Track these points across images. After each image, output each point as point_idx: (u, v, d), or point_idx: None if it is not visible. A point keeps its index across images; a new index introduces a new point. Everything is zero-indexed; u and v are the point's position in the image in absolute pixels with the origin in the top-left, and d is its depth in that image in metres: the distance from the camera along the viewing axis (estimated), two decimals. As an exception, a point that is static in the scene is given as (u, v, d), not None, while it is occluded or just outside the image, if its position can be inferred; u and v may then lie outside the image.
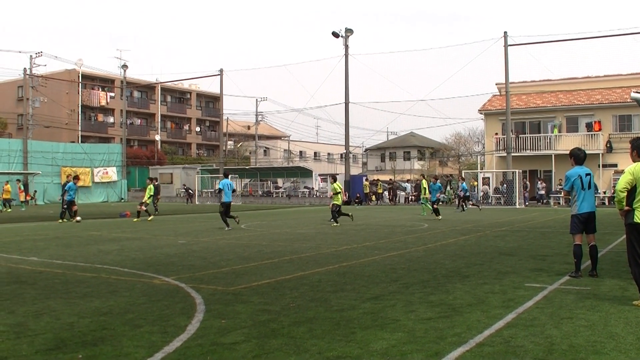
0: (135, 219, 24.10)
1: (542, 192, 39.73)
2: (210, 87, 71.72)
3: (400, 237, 16.11)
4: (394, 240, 15.16)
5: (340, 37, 45.20)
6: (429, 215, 26.12)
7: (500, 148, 42.78)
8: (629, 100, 33.49)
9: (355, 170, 65.13)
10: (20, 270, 10.11)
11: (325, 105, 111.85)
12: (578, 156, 8.99)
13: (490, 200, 40.70)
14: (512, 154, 40.51)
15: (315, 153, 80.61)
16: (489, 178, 42.72)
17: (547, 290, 7.77)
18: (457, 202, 35.06)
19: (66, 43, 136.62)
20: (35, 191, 45.58)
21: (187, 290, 8.01)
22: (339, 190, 21.92)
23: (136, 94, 75.27)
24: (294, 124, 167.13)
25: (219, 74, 51.45)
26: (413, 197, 46.19)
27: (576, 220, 8.79)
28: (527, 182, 40.86)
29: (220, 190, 20.06)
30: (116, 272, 9.72)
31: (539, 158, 42.19)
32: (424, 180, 28.77)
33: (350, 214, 22.21)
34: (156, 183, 32.55)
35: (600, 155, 39.70)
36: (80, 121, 67.49)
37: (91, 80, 69.73)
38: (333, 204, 21.55)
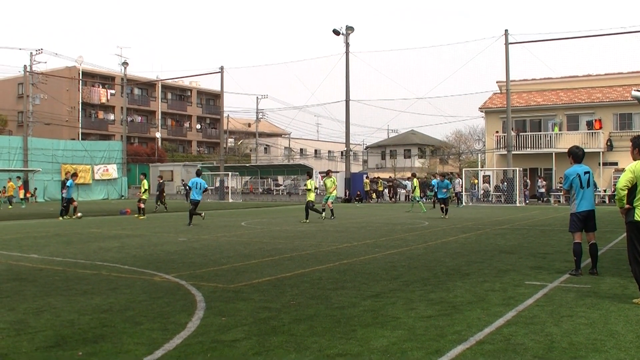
0: (140, 217, 24.06)
1: (543, 190, 39.74)
2: (210, 84, 71.80)
3: (400, 234, 16.12)
4: (394, 238, 15.17)
5: (341, 35, 45.15)
6: (426, 210, 26.40)
7: (501, 146, 42.77)
8: (629, 98, 33.47)
9: (355, 168, 65.18)
10: (21, 267, 10.11)
11: (325, 103, 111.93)
12: (576, 154, 8.98)
13: (490, 198, 40.71)
14: (513, 152, 40.48)
15: (315, 151, 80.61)
16: (489, 176, 42.73)
17: (547, 288, 7.78)
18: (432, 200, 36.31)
19: (66, 40, 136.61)
20: (36, 188, 45.57)
21: (188, 287, 8.01)
22: (311, 187, 22.31)
23: (137, 91, 75.30)
24: (295, 122, 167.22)
25: (219, 72, 51.43)
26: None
27: (575, 219, 8.79)
28: (528, 180, 40.85)
29: (189, 188, 20.44)
30: (117, 270, 9.73)
31: (539, 156, 42.19)
32: (415, 179, 29.76)
33: (322, 213, 22.02)
34: (161, 181, 32.60)
35: (601, 153, 39.70)
36: (80, 118, 67.53)
37: (91, 78, 69.75)
38: (308, 201, 22.03)
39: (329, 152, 79.16)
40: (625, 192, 7.02)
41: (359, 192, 44.13)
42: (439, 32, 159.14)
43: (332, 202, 23.36)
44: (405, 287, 8.00)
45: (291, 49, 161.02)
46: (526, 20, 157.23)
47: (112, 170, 52.85)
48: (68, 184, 24.39)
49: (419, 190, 29.71)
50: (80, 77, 67.13)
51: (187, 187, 21.16)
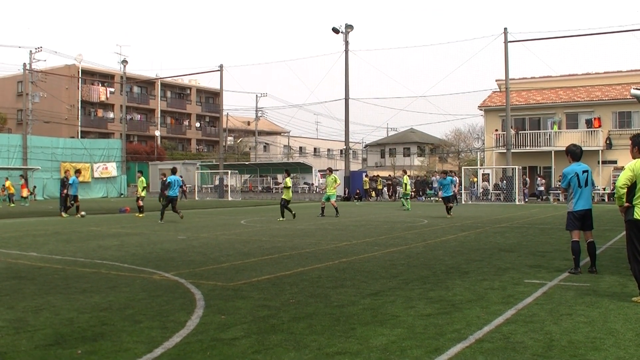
0: (139, 215, 24.06)
1: (542, 188, 39.75)
2: (210, 82, 71.59)
3: (399, 233, 16.12)
4: (393, 236, 15.17)
5: (340, 33, 45.14)
6: (410, 209, 26.66)
7: (500, 144, 42.78)
8: (629, 96, 33.46)
9: (355, 167, 65.11)
10: (20, 265, 10.11)
11: (325, 101, 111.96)
12: (575, 153, 8.98)
13: (490, 197, 40.73)
14: (512, 151, 40.50)
15: (315, 149, 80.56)
16: (488, 174, 42.72)
17: (546, 287, 7.78)
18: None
19: (66, 38, 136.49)
20: (35, 187, 45.55)
21: (187, 285, 8.01)
22: (289, 185, 22.28)
23: (136, 89, 75.24)
24: (294, 120, 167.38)
25: (218, 70, 51.41)
26: (413, 193, 46.24)
27: (572, 217, 8.80)
28: (527, 179, 40.87)
29: (168, 184, 21.26)
30: (116, 268, 9.72)
31: (538, 154, 42.20)
32: (405, 176, 29.76)
33: (293, 213, 22.02)
34: (164, 179, 32.60)
35: (600, 151, 39.72)
36: (80, 116, 67.48)
37: (91, 76, 69.68)
38: (282, 199, 22.11)
39: (328, 150, 79.14)
40: (625, 190, 7.02)
41: (358, 191, 44.13)
42: (438, 31, 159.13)
43: (334, 200, 23.49)
44: (404, 285, 8.00)
45: (291, 47, 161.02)
46: (526, 19, 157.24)
47: (112, 169, 52.84)
48: (71, 181, 24.41)
49: (409, 187, 29.92)
50: (80, 75, 67.06)
51: (166, 183, 21.84)
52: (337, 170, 49.99)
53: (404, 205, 29.30)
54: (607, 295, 7.19)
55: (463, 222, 19.85)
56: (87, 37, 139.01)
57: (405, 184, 29.69)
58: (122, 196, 51.74)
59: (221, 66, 51.33)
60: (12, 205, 34.79)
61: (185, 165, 56.99)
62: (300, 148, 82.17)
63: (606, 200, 36.88)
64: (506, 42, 39.60)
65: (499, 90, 46.18)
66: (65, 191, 24.74)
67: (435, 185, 42.49)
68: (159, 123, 76.04)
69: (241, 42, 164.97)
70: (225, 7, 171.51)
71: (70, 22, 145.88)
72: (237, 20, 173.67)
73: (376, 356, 4.81)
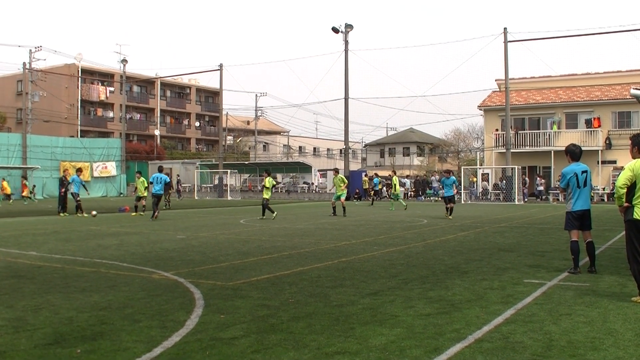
0: (134, 214, 24.06)
1: (541, 188, 39.77)
2: (209, 82, 71.53)
3: (399, 232, 16.12)
4: (393, 236, 15.16)
5: (340, 33, 45.14)
6: (394, 209, 26.84)
7: (500, 144, 42.79)
8: (628, 96, 33.45)
9: (354, 166, 65.11)
10: (19, 264, 10.10)
11: (324, 101, 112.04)
12: (574, 153, 8.98)
13: (489, 197, 40.73)
14: (512, 150, 40.51)
15: (314, 148, 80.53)
16: (488, 174, 42.72)
17: (546, 287, 7.78)
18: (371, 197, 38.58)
19: (66, 37, 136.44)
20: (35, 186, 45.54)
21: (186, 285, 8.01)
22: (269, 185, 22.45)
23: (135, 88, 75.21)
24: (294, 119, 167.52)
25: (218, 69, 51.39)
26: (412, 192, 46.28)
27: (570, 217, 8.81)
28: (526, 178, 40.88)
29: (151, 182, 22.27)
30: (115, 267, 9.72)
31: (538, 154, 42.21)
32: (394, 177, 30.27)
33: (269, 213, 22.09)
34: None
35: (600, 151, 39.72)
36: (79, 116, 67.46)
37: (90, 75, 69.65)
38: (263, 198, 22.35)
39: (328, 149, 79.12)
40: (625, 190, 7.01)
41: (357, 190, 44.11)
42: (438, 30, 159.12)
43: (343, 199, 23.72)
44: (404, 285, 8.00)
45: (290, 46, 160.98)
46: (525, 19, 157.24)
47: (111, 168, 52.85)
48: (71, 179, 24.42)
49: (398, 188, 30.85)
50: (80, 75, 67.03)
51: (150, 181, 22.73)
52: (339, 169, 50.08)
53: (393, 204, 30.21)
54: (607, 295, 7.19)
55: (462, 222, 19.84)
56: (87, 36, 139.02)
57: (395, 185, 30.45)
58: (121, 195, 51.74)
59: (221, 65, 51.31)
60: (11, 202, 34.81)
61: (184, 165, 56.99)
62: (300, 147, 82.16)
63: (605, 200, 36.88)
64: (506, 41, 39.61)
65: (498, 90, 46.18)
66: (63, 190, 24.74)
67: (435, 185, 42.50)
68: (158, 122, 76.01)
69: (241, 42, 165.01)
70: (225, 7, 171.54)
71: (70, 21, 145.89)
72: (237, 20, 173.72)
73: (375, 356, 4.81)
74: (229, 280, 8.40)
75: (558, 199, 36.82)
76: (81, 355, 4.87)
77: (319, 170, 55.65)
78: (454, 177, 23.48)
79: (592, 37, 40.15)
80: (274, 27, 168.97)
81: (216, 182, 51.44)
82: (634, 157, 7.20)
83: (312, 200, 42.84)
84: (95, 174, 51.61)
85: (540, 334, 5.43)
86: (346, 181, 24.49)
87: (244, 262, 10.23)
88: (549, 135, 41.86)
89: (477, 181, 42.37)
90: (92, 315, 6.26)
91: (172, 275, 8.85)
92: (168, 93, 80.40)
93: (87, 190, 24.64)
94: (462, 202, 37.16)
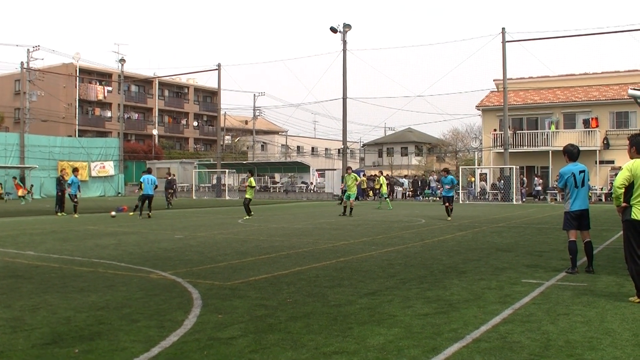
0: (131, 214, 24.05)
1: (539, 188, 39.80)
2: (208, 81, 71.62)
3: (397, 232, 16.12)
4: (391, 235, 15.17)
5: (338, 33, 45.12)
6: (392, 207, 27.18)
7: (498, 144, 42.80)
8: (626, 97, 33.45)
9: (353, 166, 65.05)
10: (17, 264, 10.09)
11: (323, 101, 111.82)
12: (572, 153, 8.99)
13: (487, 197, 40.76)
14: (510, 150, 40.52)
15: (312, 148, 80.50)
16: (486, 174, 42.76)
17: (543, 286, 7.79)
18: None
19: (64, 37, 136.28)
20: (32, 185, 45.48)
21: (184, 285, 8.00)
22: (253, 185, 22.99)
23: (134, 88, 75.10)
24: (292, 119, 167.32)
25: (216, 69, 51.33)
26: (410, 192, 46.28)
27: (569, 217, 8.82)
28: (524, 178, 40.90)
29: (140, 183, 22.65)
30: (113, 267, 9.71)
31: (536, 154, 42.23)
32: (381, 177, 31.76)
33: (251, 213, 22.57)
34: (170, 178, 32.67)
35: (598, 151, 39.75)
36: (77, 115, 67.33)
37: (88, 74, 69.57)
38: (245, 198, 22.81)
39: (326, 149, 79.12)
40: (623, 190, 7.02)
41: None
42: (436, 30, 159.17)
43: (353, 200, 23.92)
44: (401, 285, 8.00)
45: (288, 46, 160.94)
46: (524, 19, 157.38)
47: (109, 167, 52.81)
48: (70, 180, 24.38)
49: (385, 188, 31.25)
50: (77, 74, 66.94)
51: (140, 182, 23.16)
52: (335, 169, 50.08)
53: (382, 205, 30.59)
54: (604, 295, 7.20)
55: (460, 222, 19.85)
56: (85, 35, 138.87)
57: (382, 185, 30.88)
58: (119, 195, 51.70)
59: (219, 65, 51.26)
60: (4, 200, 34.87)
61: (182, 164, 56.93)
62: (298, 147, 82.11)
63: (603, 200, 36.92)
64: (504, 42, 39.62)
65: (496, 90, 46.20)
66: (60, 190, 24.72)
67: (433, 185, 42.50)
68: (156, 122, 75.91)
69: (239, 41, 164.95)
70: (223, 6, 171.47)
71: (68, 20, 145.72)
72: (235, 19, 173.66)
73: (373, 356, 4.81)
74: (227, 280, 8.40)
75: (556, 199, 36.86)
76: (79, 355, 4.86)
77: (317, 170, 55.58)
78: (452, 176, 22.66)
79: (590, 37, 40.23)
80: (272, 27, 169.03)
81: (214, 181, 51.42)
82: (631, 157, 7.21)
83: (310, 200, 42.84)
84: (93, 174, 51.56)
85: (538, 334, 5.43)
86: (359, 179, 24.76)
87: (242, 262, 10.23)
88: (547, 135, 41.89)
89: (475, 181, 42.39)
90: (89, 315, 6.26)
91: (170, 275, 8.85)
92: (166, 93, 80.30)
93: (79, 192, 24.55)
94: (460, 202, 37.18)
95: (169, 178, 33.01)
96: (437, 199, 37.25)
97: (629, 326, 5.73)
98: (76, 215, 23.40)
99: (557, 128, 42.08)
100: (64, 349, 5.04)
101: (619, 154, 38.23)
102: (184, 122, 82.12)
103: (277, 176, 56.83)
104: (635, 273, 6.83)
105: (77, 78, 67.29)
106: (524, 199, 38.54)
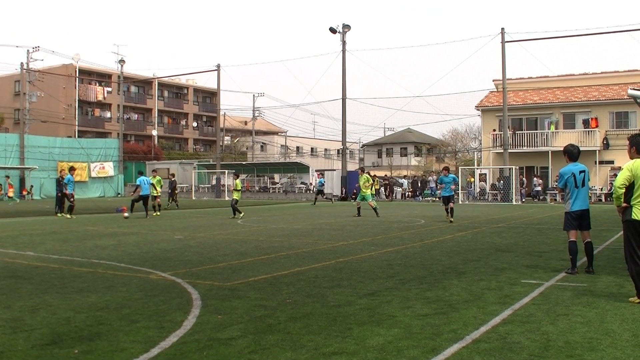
0: (157, 214, 24.23)
1: (539, 188, 39.79)
2: (207, 82, 71.40)
3: (396, 233, 16.12)
4: (390, 236, 15.16)
5: (337, 33, 45.14)
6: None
7: (497, 144, 42.81)
8: (626, 97, 33.49)
9: (352, 166, 65.08)
10: (17, 265, 10.09)
11: (322, 101, 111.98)
12: (572, 153, 8.99)
13: (487, 197, 40.76)
14: (509, 151, 40.53)
15: (312, 149, 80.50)
16: (485, 174, 42.76)
17: (543, 287, 7.79)
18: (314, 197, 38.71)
19: (63, 38, 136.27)
20: (32, 186, 45.48)
21: (184, 285, 8.00)
22: (240, 187, 23.55)
23: (133, 89, 75.08)
24: (291, 120, 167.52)
25: (216, 70, 51.34)
26: (409, 193, 46.27)
27: (569, 217, 8.82)
28: (524, 179, 40.91)
29: (137, 185, 23.57)
30: (113, 267, 9.71)
31: (535, 154, 42.24)
32: (364, 175, 30.29)
33: (237, 213, 22.71)
34: (172, 179, 32.73)
35: (597, 151, 39.76)
36: (77, 116, 67.29)
37: (88, 75, 69.54)
38: (233, 199, 23.38)
39: (326, 150, 79.07)
40: (623, 190, 7.02)
41: (355, 190, 44.07)
42: (436, 30, 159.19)
43: (373, 201, 23.73)
44: (401, 285, 8.00)
45: (288, 47, 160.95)
46: (523, 19, 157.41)
47: (109, 168, 52.79)
48: (66, 180, 24.33)
49: (373, 188, 31.15)
50: (77, 75, 66.91)
51: (137, 185, 23.97)
52: (334, 170, 50.05)
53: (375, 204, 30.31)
54: (604, 296, 7.19)
55: (460, 222, 19.85)
56: (85, 36, 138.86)
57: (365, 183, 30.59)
58: (119, 196, 51.68)
59: (218, 66, 51.27)
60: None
61: (182, 165, 56.90)
62: (298, 148, 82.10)
63: (603, 200, 36.93)
64: (503, 42, 39.63)
65: (496, 90, 46.21)
66: (60, 191, 24.69)
67: (432, 185, 42.48)
68: (156, 123, 75.86)
69: (238, 42, 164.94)
70: (222, 7, 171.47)
71: (67, 21, 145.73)
72: (235, 20, 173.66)
73: (373, 356, 4.81)
74: (226, 280, 8.40)
75: (555, 199, 36.86)
76: (79, 356, 4.86)
77: (316, 171, 55.57)
78: (453, 175, 21.76)
79: (590, 37, 40.29)
80: (271, 28, 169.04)
81: (214, 182, 51.41)
82: (631, 157, 7.21)
83: (309, 201, 42.82)
84: (93, 174, 51.54)
85: (538, 335, 5.43)
86: (371, 180, 24.56)
87: (241, 263, 10.23)
88: (547, 135, 41.89)
89: (474, 181, 42.39)
90: (89, 315, 6.25)
91: (169, 275, 8.84)
92: (165, 93, 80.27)
93: (73, 192, 24.46)
94: (460, 202, 37.17)
95: (172, 179, 33.07)
96: (437, 199, 37.23)
97: (628, 327, 5.72)
98: (68, 216, 23.07)
99: (556, 128, 42.09)
100: (64, 349, 5.04)
101: (619, 154, 38.24)
102: (183, 122, 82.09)
103: (276, 177, 56.83)
104: (636, 273, 6.83)
105: (77, 79, 67.28)
106: (523, 200, 38.55)
